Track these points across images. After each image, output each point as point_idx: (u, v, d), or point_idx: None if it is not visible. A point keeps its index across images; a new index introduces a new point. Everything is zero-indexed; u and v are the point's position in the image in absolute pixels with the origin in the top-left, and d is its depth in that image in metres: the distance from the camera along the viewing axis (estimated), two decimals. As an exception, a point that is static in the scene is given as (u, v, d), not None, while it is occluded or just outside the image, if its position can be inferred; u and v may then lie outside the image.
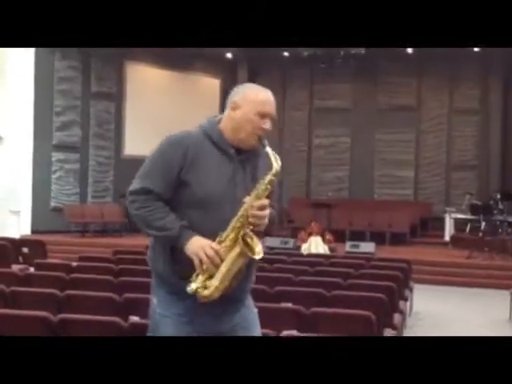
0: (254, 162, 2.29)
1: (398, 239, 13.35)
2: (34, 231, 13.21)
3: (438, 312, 7.91)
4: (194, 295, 2.12)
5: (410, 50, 14.42)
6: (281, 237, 11.33)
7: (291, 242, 10.99)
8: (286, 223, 14.36)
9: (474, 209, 12.19)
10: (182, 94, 15.25)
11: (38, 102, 13.51)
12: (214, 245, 2.10)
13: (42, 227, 13.17)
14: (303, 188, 16.46)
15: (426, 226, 14.67)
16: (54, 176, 13.94)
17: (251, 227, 2.13)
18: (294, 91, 16.49)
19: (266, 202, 2.16)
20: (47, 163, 13.79)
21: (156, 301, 2.26)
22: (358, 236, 12.90)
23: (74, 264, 6.43)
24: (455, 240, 13.04)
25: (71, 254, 9.43)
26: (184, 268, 2.14)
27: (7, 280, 5.04)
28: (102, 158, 14.62)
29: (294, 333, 3.73)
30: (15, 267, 7.07)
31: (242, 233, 2.11)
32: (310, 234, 10.86)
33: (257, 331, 2.36)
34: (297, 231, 12.07)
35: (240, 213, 2.13)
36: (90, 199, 14.49)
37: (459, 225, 13.48)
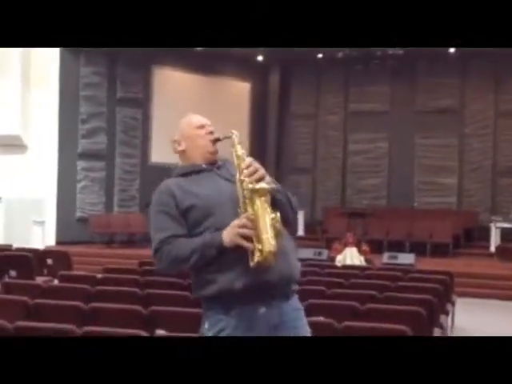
0: (228, 169, 2.50)
1: (439, 250, 13.22)
2: (58, 242, 13.49)
3: (483, 327, 7.81)
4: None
5: (451, 49, 14.32)
6: (314, 248, 11.34)
7: (325, 254, 10.98)
8: (319, 233, 14.36)
9: (521, 218, 12.03)
10: (211, 99, 15.41)
11: (63, 109, 13.81)
12: (240, 218, 2.26)
13: (66, 238, 13.44)
14: (338, 196, 16.44)
15: (470, 236, 14.50)
16: (79, 185, 14.20)
17: (255, 183, 2.27)
18: (329, 94, 16.52)
19: (249, 159, 2.34)
20: (72, 172, 14.07)
21: (208, 325, 2.38)
22: (397, 247, 12.82)
23: (99, 276, 6.56)
24: (501, 251, 12.85)
25: (97, 266, 9.60)
26: (227, 267, 2.29)
27: (31, 292, 5.18)
28: (128, 166, 14.85)
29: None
30: (39, 279, 7.25)
31: (246, 190, 2.27)
32: (344, 245, 10.84)
33: (305, 330, 2.45)
34: (331, 242, 12.06)
35: (238, 184, 2.31)
36: (115, 209, 14.72)
37: (506, 235, 13.28)
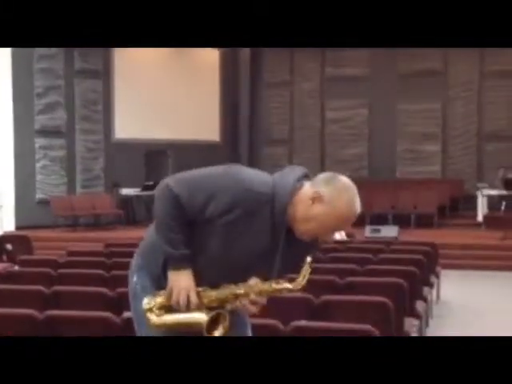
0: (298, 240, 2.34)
1: (424, 221, 13.41)
2: (18, 227, 13.41)
3: (470, 299, 7.98)
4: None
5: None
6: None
7: (304, 229, 11.06)
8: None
9: (508, 184, 12.21)
10: (177, 69, 15.31)
11: (17, 83, 13.64)
12: (193, 295, 2.26)
13: (27, 222, 13.36)
14: (317, 167, 16.49)
15: (456, 206, 14.71)
16: (37, 165, 14.10)
17: (229, 307, 2.29)
18: (303, 59, 16.49)
19: (263, 301, 2.29)
20: (30, 151, 13.95)
21: (136, 277, 2.47)
22: (380, 219, 12.98)
23: (63, 260, 6.57)
24: (489, 220, 13.06)
25: (60, 251, 9.55)
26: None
27: (-11, 279, 5.19)
28: (90, 143, 14.74)
29: (304, 323, 3.84)
30: (-2, 266, 7.23)
31: (219, 310, 2.28)
32: (324, 219, 10.93)
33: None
34: (310, 216, 12.13)
35: (235, 289, 2.27)
36: (79, 189, 14.65)
37: (493, 203, 13.49)
